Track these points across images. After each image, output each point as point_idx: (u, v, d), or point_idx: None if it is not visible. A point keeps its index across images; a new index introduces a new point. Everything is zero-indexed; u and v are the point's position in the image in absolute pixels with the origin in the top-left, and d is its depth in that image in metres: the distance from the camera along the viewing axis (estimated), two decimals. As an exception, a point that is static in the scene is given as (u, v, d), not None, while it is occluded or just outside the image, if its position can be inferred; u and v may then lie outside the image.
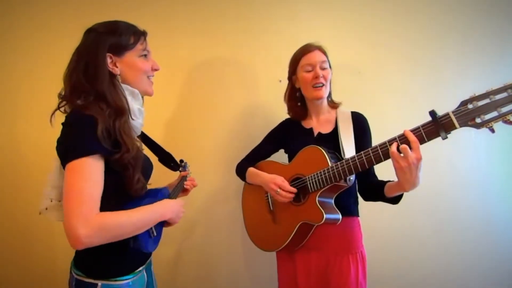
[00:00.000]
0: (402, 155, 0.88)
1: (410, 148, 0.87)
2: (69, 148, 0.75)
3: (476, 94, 0.81)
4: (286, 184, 1.16)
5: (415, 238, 1.61)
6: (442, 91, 1.63)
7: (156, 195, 0.96)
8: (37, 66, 1.48)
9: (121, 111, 0.82)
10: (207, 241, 1.61)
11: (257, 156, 1.39)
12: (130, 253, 0.85)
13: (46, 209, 0.85)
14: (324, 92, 1.22)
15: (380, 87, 1.63)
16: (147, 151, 1.10)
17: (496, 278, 1.61)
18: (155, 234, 0.91)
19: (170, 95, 1.59)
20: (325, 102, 1.28)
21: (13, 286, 1.48)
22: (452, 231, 1.61)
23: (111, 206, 0.78)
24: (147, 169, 0.93)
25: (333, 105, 1.29)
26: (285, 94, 1.36)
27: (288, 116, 1.38)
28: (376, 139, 1.22)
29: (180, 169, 1.24)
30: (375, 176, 1.18)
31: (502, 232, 1.62)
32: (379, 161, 0.96)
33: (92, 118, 0.76)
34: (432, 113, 0.86)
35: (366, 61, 1.62)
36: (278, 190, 1.15)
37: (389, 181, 1.07)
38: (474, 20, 1.64)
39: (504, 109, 0.76)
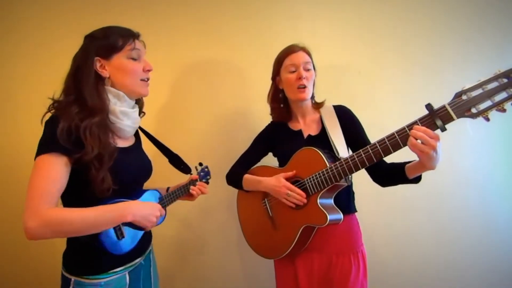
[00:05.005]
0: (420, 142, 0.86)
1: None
2: (37, 148, 0.81)
3: (468, 86, 0.83)
4: (295, 187, 1.13)
5: (415, 237, 1.60)
6: (442, 92, 1.62)
7: (138, 196, 0.95)
8: (37, 67, 1.49)
9: (95, 112, 0.84)
10: (202, 247, 1.59)
11: (247, 161, 1.36)
12: (105, 252, 0.85)
13: None
14: (307, 94, 1.20)
15: (380, 87, 1.62)
16: (153, 153, 1.10)
17: (496, 278, 1.61)
18: (124, 236, 0.88)
19: (168, 94, 1.57)
20: (309, 103, 1.27)
21: (14, 285, 1.49)
22: (452, 231, 1.61)
23: (80, 203, 0.81)
24: (125, 171, 0.91)
25: (317, 106, 1.27)
26: (268, 95, 1.33)
27: (271, 119, 1.36)
28: (376, 139, 1.22)
29: (191, 172, 1.20)
30: (385, 161, 1.12)
31: (502, 232, 1.61)
32: (379, 158, 0.96)
33: (56, 118, 0.82)
34: (429, 106, 0.87)
35: (366, 61, 1.61)
36: (290, 192, 1.12)
37: (406, 162, 1.05)
38: (474, 20, 1.64)
39: (497, 98, 0.79)
